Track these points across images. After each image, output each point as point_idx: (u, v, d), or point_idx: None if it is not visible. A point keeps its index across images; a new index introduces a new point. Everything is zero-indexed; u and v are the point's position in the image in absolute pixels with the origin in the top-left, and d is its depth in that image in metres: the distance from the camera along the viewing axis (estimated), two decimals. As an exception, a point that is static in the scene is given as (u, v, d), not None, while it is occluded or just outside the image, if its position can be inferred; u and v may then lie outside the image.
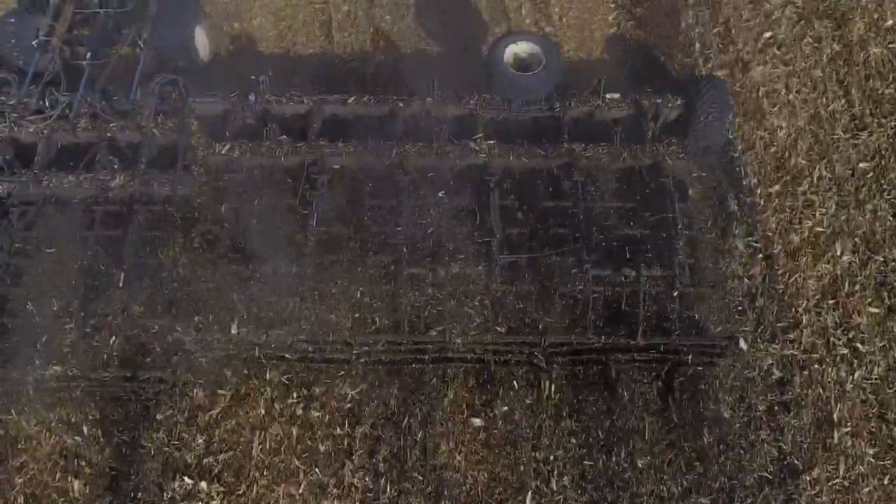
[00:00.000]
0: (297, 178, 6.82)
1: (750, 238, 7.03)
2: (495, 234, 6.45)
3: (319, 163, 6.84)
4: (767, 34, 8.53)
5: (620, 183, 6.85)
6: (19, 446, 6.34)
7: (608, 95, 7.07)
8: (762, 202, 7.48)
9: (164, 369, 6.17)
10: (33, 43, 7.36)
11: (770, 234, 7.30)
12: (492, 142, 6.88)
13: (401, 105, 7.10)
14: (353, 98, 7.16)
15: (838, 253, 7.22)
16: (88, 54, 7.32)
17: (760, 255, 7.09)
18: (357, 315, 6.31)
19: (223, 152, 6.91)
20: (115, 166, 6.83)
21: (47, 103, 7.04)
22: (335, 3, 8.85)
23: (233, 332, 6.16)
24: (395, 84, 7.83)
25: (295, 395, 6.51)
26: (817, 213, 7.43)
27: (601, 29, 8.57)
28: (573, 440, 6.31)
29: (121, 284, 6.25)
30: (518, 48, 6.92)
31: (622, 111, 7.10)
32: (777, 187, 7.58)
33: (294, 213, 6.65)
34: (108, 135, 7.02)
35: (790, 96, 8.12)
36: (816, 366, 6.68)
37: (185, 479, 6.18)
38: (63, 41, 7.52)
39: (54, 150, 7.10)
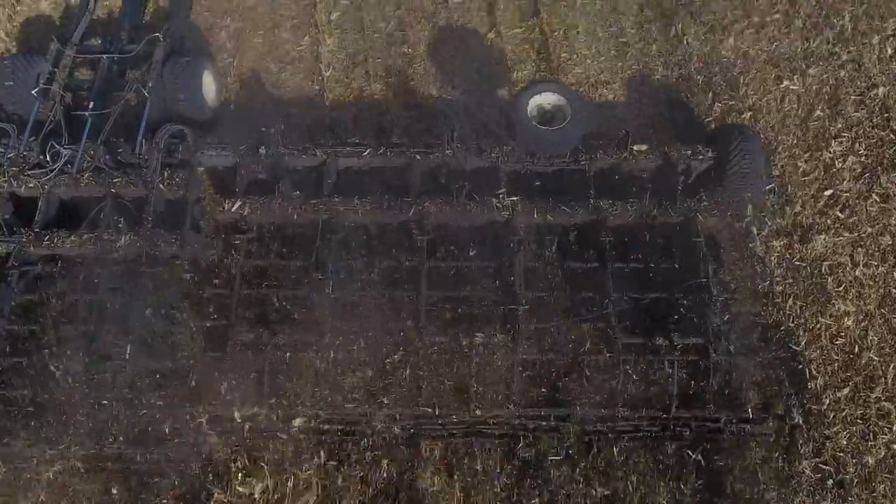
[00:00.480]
0: (311, 237, 6.51)
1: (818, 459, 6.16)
2: (521, 299, 6.12)
3: (335, 220, 6.52)
4: (828, 192, 7.33)
5: (651, 241, 6.52)
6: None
7: (635, 147, 6.75)
8: (831, 414, 6.31)
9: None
10: (34, 91, 7.02)
11: (840, 454, 6.16)
12: (515, 198, 6.55)
13: (418, 157, 6.77)
14: (368, 150, 6.83)
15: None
16: (91, 104, 6.98)
17: (831, 482, 6.09)
18: (374, 385, 5.98)
19: (233, 210, 6.57)
20: (121, 225, 6.47)
21: (48, 156, 6.71)
22: (347, 46, 8.48)
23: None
24: (413, 134, 7.47)
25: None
26: (895, 427, 6.29)
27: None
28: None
29: (127, 356, 5.92)
30: (542, 99, 6.59)
31: (650, 163, 6.78)
32: (846, 391, 6.40)
33: (309, 275, 6.33)
34: (113, 190, 6.68)
35: (857, 272, 6.91)
36: None
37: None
38: (64, 88, 7.18)
39: (55, 206, 6.76)
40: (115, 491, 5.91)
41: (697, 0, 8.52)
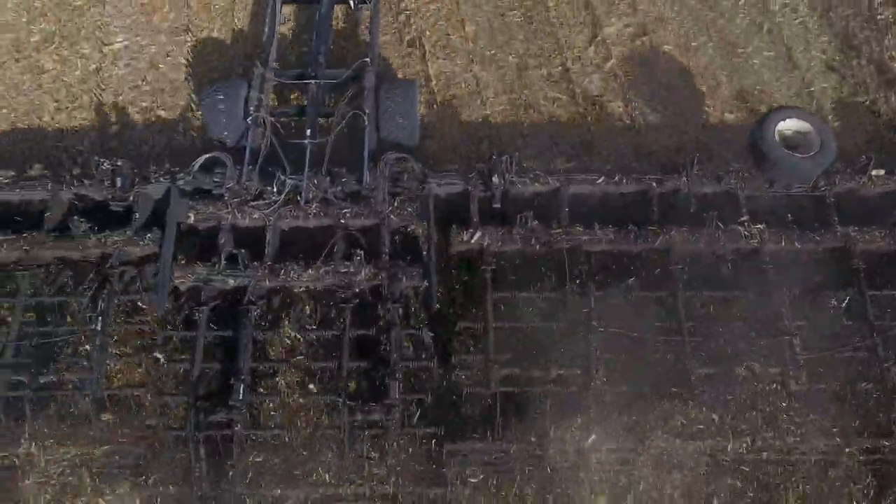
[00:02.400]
0: (555, 267, 6.30)
1: None
2: (791, 330, 5.95)
3: (577, 250, 6.31)
4: None
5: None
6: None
7: (874, 172, 6.63)
8: None
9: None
10: (248, 120, 6.75)
11: None
12: (761, 225, 6.39)
13: (654, 185, 6.60)
14: (602, 178, 6.64)
15: None
16: (308, 131, 6.72)
17: None
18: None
19: (472, 240, 6.34)
20: (359, 257, 6.19)
21: (274, 187, 6.43)
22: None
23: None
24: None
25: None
26: None
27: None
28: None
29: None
30: (786, 126, 6.44)
31: (890, 188, 6.66)
32: None
33: (560, 309, 6.11)
34: (342, 221, 6.43)
35: None
36: None
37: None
38: (272, 115, 6.92)
39: (278, 238, 6.49)
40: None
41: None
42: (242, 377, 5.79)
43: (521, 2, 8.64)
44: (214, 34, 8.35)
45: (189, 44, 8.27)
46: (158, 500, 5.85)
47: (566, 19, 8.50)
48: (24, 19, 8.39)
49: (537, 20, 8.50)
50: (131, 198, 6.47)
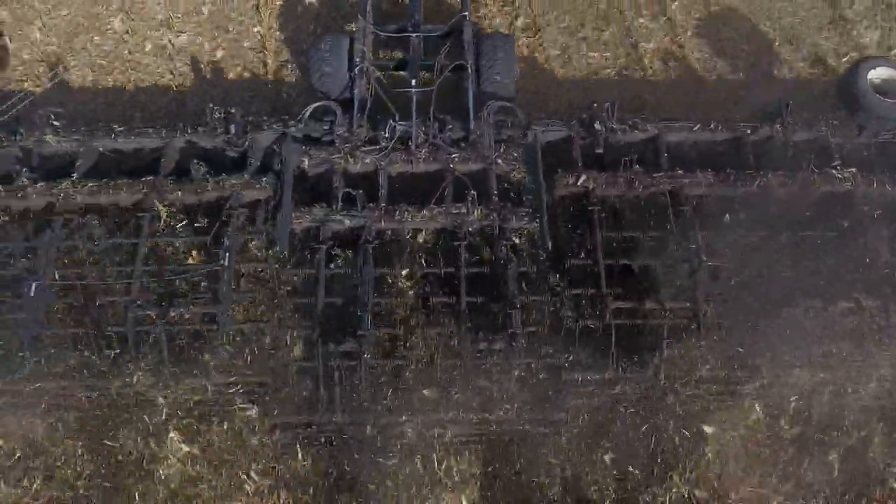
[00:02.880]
0: (657, 210, 6.55)
1: None
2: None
3: (678, 193, 6.56)
4: None
5: None
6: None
7: (958, 118, 6.91)
8: None
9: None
10: (355, 70, 6.99)
11: None
12: (853, 169, 6.65)
13: (748, 132, 6.86)
14: (698, 125, 6.90)
15: None
16: (413, 81, 6.97)
17: None
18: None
19: (578, 183, 6.59)
20: (471, 198, 6.42)
21: (385, 133, 6.67)
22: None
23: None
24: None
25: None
26: None
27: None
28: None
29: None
30: (877, 74, 6.72)
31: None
32: None
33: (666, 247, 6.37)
34: (451, 165, 6.66)
35: None
36: None
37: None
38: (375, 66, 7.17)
39: (386, 182, 6.72)
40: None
41: None
42: (366, 310, 6.01)
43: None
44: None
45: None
46: (278, 431, 6.11)
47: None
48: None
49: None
50: (245, 144, 6.67)
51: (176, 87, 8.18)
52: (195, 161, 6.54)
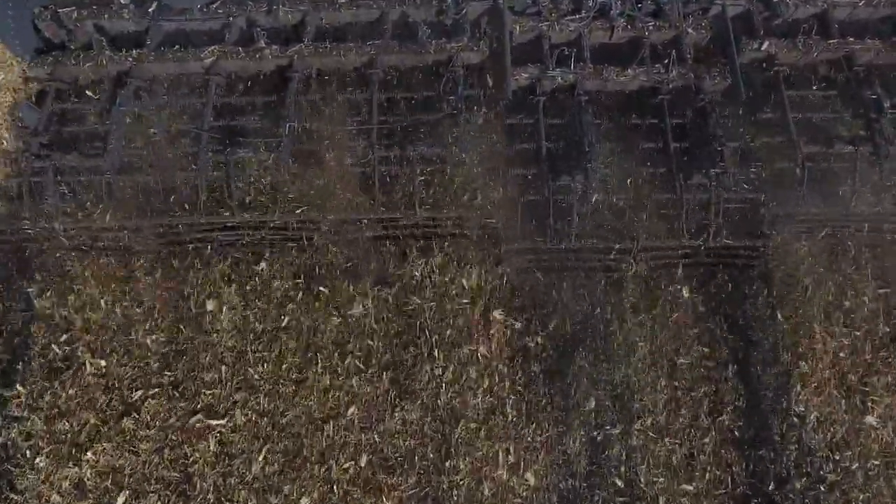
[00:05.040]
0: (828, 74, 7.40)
1: None
2: None
3: (850, 57, 7.37)
4: None
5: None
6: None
7: None
8: None
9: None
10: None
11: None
12: None
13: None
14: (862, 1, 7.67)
15: None
16: (610, -44, 7.70)
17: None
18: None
19: (761, 49, 7.39)
20: (672, 58, 7.21)
21: (591, 2, 7.44)
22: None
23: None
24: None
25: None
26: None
27: None
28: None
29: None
30: None
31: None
32: None
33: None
34: (646, 34, 7.44)
35: None
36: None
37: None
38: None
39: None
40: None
41: None
42: (592, 147, 6.83)
43: None
44: None
45: None
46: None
47: None
48: None
49: None
50: (464, 12, 7.42)
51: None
52: (420, 23, 7.28)
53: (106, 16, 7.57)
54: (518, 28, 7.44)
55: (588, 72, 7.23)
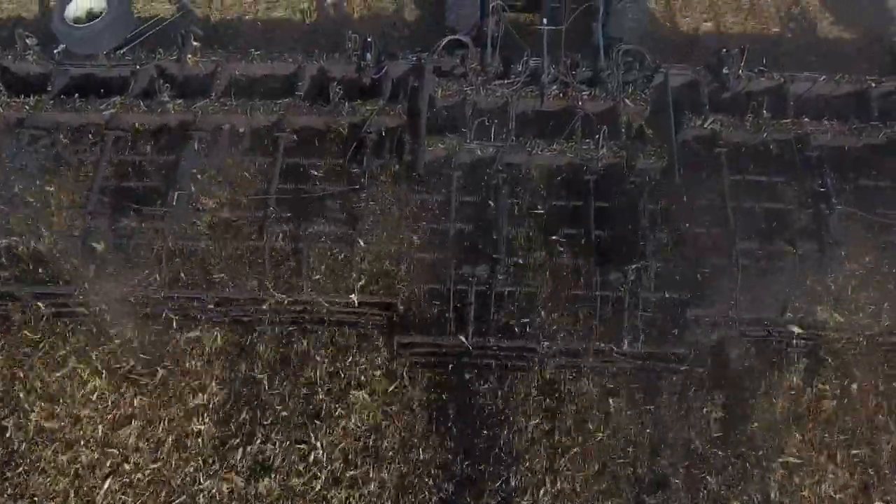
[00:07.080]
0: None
1: None
2: None
3: (803, 139, 6.68)
4: None
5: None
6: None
7: None
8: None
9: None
10: (493, 5, 7.10)
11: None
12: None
13: (872, 84, 6.95)
14: (823, 76, 6.98)
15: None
16: (545, 20, 7.08)
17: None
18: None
19: (706, 125, 6.72)
20: (602, 134, 6.57)
21: (520, 66, 6.83)
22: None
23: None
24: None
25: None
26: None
27: None
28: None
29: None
30: None
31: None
32: None
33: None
34: (579, 104, 6.81)
35: None
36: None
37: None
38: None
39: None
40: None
41: None
42: (501, 236, 6.21)
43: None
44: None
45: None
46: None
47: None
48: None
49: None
50: (383, 71, 6.84)
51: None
52: (334, 83, 6.71)
53: (10, 56, 7.11)
54: (440, 91, 6.84)
55: (510, 144, 6.60)
